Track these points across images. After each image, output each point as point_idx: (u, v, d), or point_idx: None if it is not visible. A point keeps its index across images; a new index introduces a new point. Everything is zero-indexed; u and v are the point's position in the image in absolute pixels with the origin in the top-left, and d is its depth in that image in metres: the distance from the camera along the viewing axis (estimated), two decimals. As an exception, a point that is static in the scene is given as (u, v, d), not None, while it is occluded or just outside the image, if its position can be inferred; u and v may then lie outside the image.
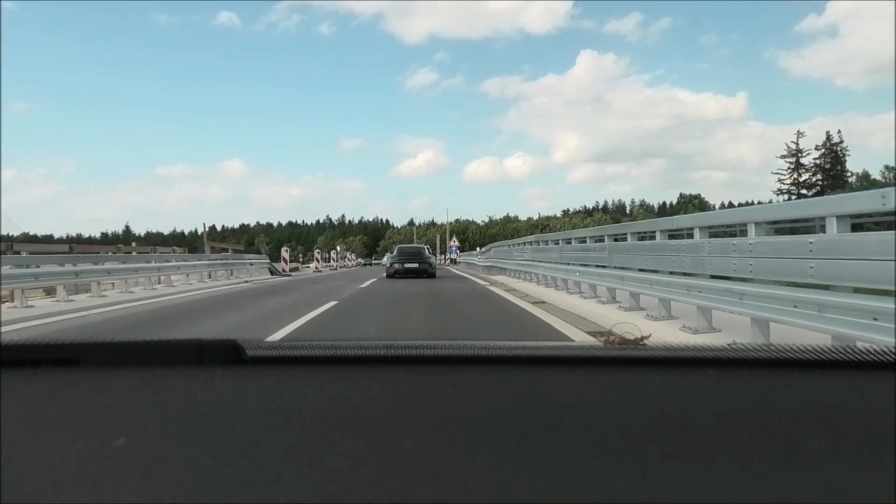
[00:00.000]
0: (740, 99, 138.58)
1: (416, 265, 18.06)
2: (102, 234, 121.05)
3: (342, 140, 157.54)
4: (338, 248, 44.87)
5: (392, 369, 0.76)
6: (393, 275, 17.73)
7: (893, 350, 0.68)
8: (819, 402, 0.64)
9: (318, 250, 29.06)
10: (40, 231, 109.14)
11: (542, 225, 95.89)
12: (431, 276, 17.86)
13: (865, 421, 0.58)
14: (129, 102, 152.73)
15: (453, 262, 42.99)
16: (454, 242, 46.15)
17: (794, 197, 65.59)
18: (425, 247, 22.41)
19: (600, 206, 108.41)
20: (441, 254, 58.56)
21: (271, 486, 0.48)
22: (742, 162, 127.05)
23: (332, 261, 33.22)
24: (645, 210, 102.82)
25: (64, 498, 0.47)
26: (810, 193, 66.10)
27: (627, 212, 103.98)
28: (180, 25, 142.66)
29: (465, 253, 41.02)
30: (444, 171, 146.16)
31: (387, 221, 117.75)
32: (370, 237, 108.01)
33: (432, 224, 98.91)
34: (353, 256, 47.24)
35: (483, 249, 29.02)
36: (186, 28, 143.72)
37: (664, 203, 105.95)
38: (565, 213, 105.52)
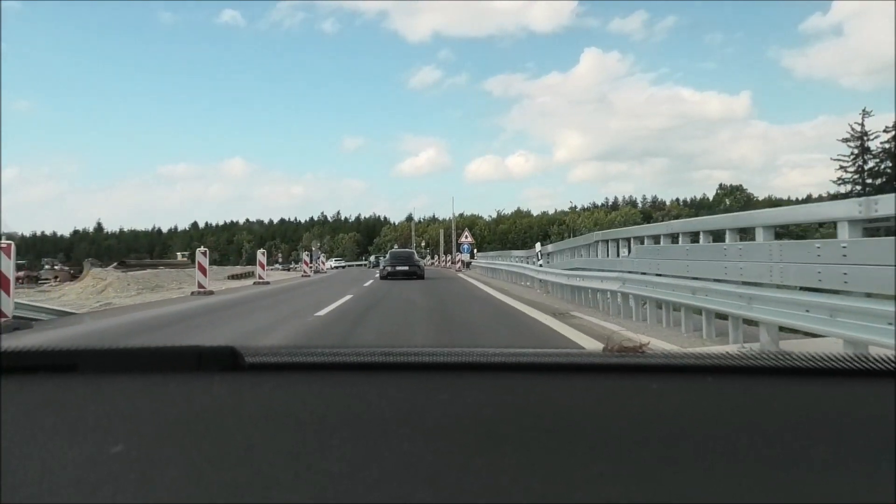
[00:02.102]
0: (744, 98, 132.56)
1: (406, 268, 20.57)
2: (74, 230, 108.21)
3: (344, 139, 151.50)
4: (314, 248, 32.15)
5: (390, 375, 0.77)
6: (386, 276, 20.23)
7: (893, 358, 0.68)
8: (818, 410, 0.64)
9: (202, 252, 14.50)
10: (39, 230, 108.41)
11: (558, 221, 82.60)
12: (420, 277, 20.31)
13: (865, 429, 0.59)
14: (132, 101, 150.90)
15: (465, 265, 28.90)
16: (467, 238, 32.26)
17: (857, 188, 51.21)
18: (414, 252, 27.94)
19: (611, 202, 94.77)
20: (446, 254, 44.80)
21: (269, 491, 0.48)
22: (744, 161, 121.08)
23: (261, 267, 21.39)
24: (683, 204, 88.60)
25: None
26: (877, 182, 51.63)
27: (639, 207, 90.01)
28: (184, 24, 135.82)
29: (493, 254, 27.09)
30: (447, 169, 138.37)
31: (385, 218, 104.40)
32: (364, 234, 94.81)
33: (434, 220, 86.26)
34: (323, 259, 33.69)
35: (553, 247, 14.62)
36: (190, 26, 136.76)
37: (694, 197, 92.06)
38: (573, 209, 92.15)
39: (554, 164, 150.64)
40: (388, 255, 23.70)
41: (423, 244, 67.62)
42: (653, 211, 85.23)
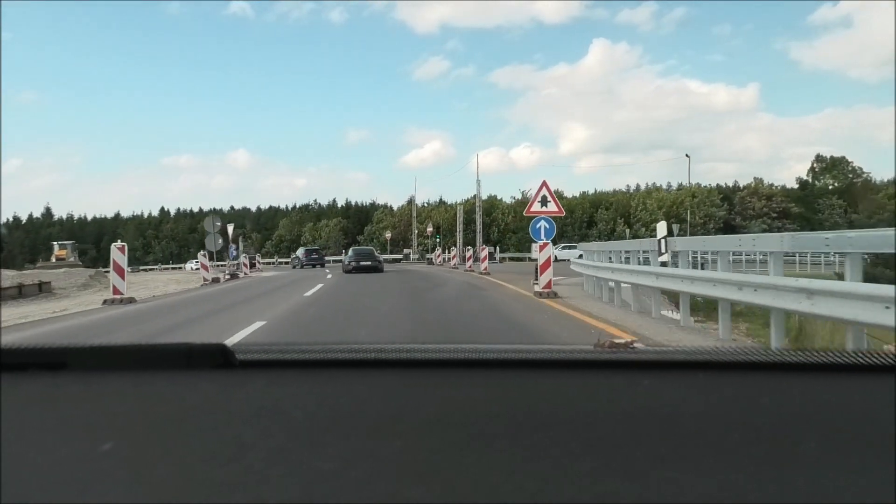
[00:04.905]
0: (751, 90, 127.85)
1: (368, 263, 23.61)
2: (14, 215, 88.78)
3: (348, 131, 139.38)
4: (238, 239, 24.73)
5: (382, 372, 0.76)
6: (350, 270, 22.95)
7: (893, 353, 0.68)
8: (813, 407, 0.64)
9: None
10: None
11: (605, 203, 61.49)
12: (380, 270, 23.22)
13: (863, 426, 0.58)
14: (137, 92, 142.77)
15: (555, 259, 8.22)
16: (548, 202, 11.30)
17: None
18: (374, 249, 29.99)
19: (632, 189, 76.02)
20: (467, 246, 24.99)
21: (260, 488, 0.48)
22: (749, 153, 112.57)
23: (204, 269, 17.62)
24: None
25: (51, 502, 0.48)
26: None
27: (665, 190, 70.09)
28: (191, 16, 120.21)
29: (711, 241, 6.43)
30: (451, 161, 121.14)
31: (386, 205, 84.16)
32: (353, 222, 73.87)
33: (441, 203, 66.64)
34: (244, 255, 25.01)
35: None
36: (198, 18, 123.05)
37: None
38: (587, 193, 73.32)
39: (558, 156, 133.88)
40: (350, 253, 26.02)
41: (427, 231, 47.41)
42: (734, 194, 64.00)
